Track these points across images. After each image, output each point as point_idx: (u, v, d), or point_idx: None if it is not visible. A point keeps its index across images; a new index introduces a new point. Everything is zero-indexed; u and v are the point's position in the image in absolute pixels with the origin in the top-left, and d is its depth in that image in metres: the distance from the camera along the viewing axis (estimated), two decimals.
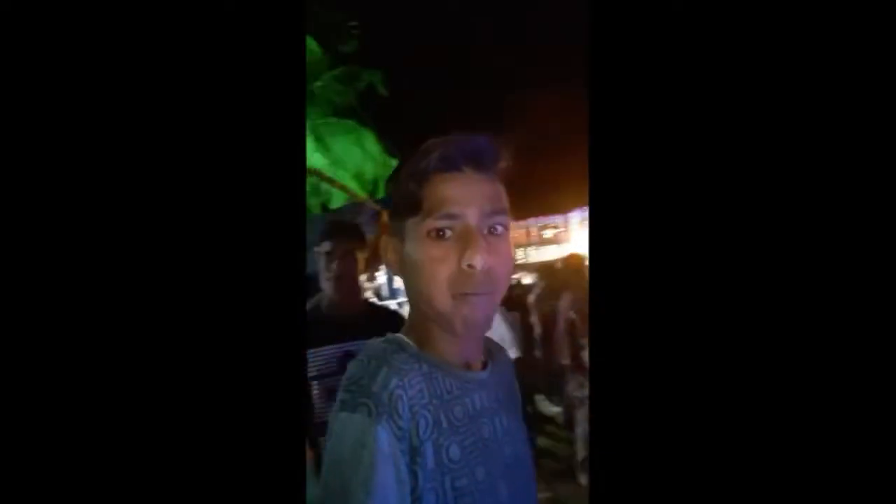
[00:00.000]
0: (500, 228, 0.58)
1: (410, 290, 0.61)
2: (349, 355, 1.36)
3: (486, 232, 0.57)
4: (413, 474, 0.49)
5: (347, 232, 1.49)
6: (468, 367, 0.61)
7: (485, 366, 0.64)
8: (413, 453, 0.50)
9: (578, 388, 2.85)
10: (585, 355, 2.57)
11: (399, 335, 0.61)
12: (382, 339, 0.60)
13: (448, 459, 0.52)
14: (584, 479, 2.93)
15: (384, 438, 0.48)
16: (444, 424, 0.53)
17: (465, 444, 0.54)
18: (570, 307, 2.89)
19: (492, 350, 0.68)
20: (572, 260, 3.21)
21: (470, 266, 0.54)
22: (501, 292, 0.59)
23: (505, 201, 0.60)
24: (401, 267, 0.61)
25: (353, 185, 2.36)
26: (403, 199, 0.59)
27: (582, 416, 2.79)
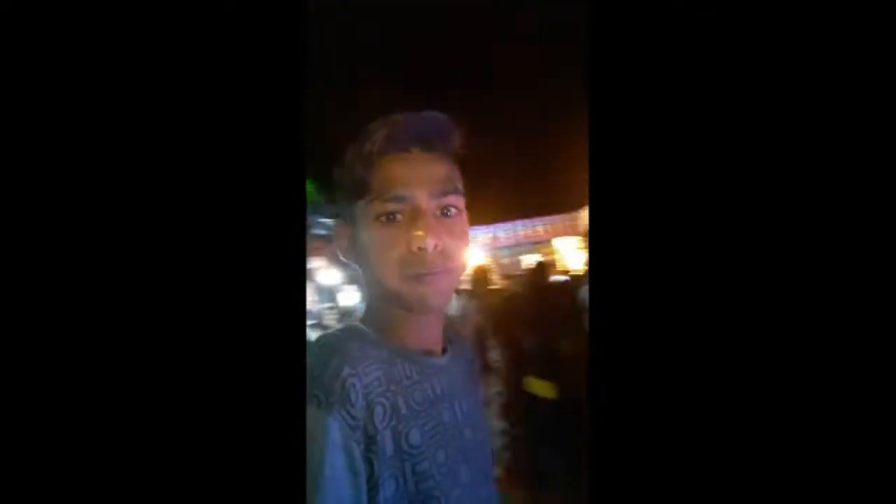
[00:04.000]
0: (453, 210, 0.57)
1: (364, 275, 0.59)
2: None
3: (438, 213, 0.56)
4: (369, 462, 0.48)
5: None
6: (428, 352, 0.60)
7: (444, 351, 0.63)
8: (368, 442, 0.48)
9: (488, 387, 2.91)
10: (493, 355, 2.68)
11: (356, 323, 0.59)
12: (338, 328, 0.58)
13: (408, 445, 0.51)
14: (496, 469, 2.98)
15: (335, 429, 0.46)
16: (404, 410, 0.52)
17: (425, 428, 0.53)
18: (476, 312, 3.05)
19: (451, 336, 0.67)
20: (476, 271, 3.39)
21: (420, 249, 0.53)
22: (459, 271, 0.58)
23: (458, 181, 0.59)
24: (353, 252, 0.60)
25: None
26: (351, 183, 0.57)
27: (493, 412, 2.87)
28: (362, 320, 0.60)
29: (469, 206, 0.60)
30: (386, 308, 0.58)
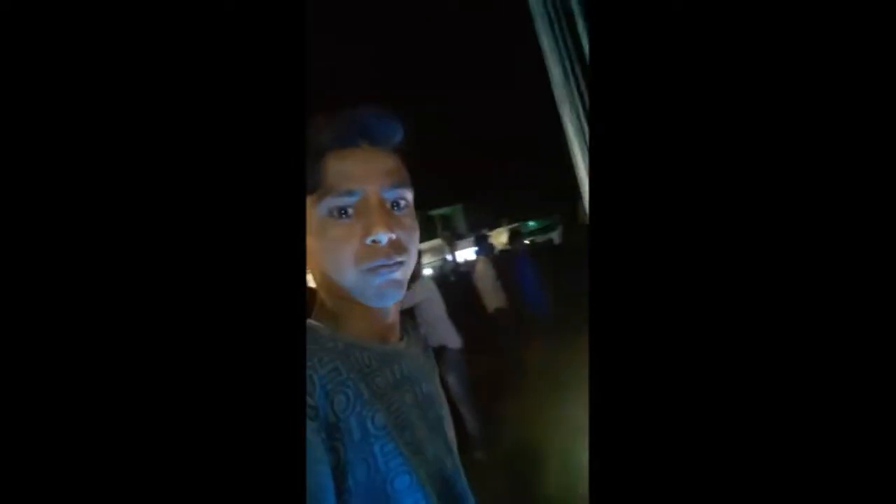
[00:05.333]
0: (402, 202, 0.57)
1: (315, 270, 0.58)
2: None
3: (389, 206, 0.56)
4: (334, 451, 0.48)
5: None
6: (385, 340, 0.60)
7: (401, 339, 0.64)
8: (331, 429, 0.48)
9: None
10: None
11: (308, 319, 0.58)
12: None
13: (374, 427, 0.51)
14: None
15: None
16: (367, 395, 0.52)
17: (390, 410, 0.53)
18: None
19: (407, 325, 0.68)
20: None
21: (374, 241, 0.54)
22: (412, 262, 0.58)
23: (406, 175, 0.59)
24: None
25: None
26: None
27: None
28: (314, 316, 0.60)
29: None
30: (339, 302, 0.58)
